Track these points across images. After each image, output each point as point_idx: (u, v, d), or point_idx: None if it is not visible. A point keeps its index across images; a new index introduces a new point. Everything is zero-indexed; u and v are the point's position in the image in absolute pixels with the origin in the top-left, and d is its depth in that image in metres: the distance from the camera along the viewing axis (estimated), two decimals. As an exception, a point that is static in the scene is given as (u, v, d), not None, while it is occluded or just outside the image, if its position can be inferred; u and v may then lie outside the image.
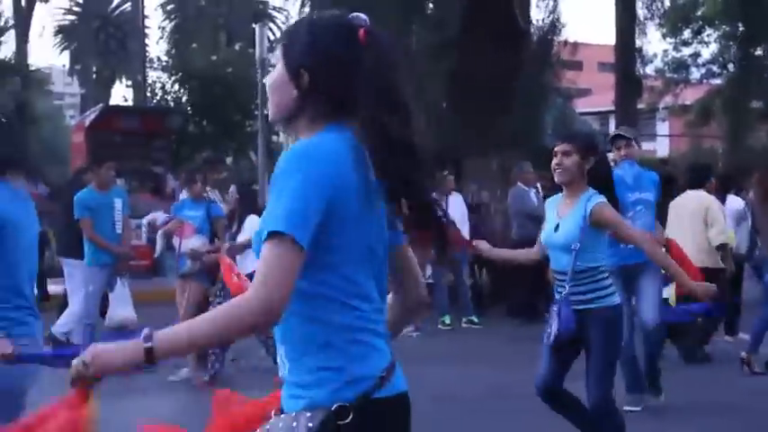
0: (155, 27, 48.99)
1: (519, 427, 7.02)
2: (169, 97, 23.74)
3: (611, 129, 20.83)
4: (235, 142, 24.60)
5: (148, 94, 25.73)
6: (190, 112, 23.18)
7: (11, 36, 29.94)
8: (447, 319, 12.56)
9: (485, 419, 6.34)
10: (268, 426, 2.64)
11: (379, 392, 2.56)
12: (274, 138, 27.67)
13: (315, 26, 2.65)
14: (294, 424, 2.53)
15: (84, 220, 9.54)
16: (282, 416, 2.60)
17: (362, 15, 2.63)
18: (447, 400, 7.95)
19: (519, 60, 15.87)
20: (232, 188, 9.67)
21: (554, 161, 5.55)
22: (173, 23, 43.63)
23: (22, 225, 4.46)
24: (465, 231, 13.15)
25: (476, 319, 12.69)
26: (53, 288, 13.61)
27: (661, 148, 42.81)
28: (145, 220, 9.41)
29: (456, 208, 12.87)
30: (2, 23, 29.86)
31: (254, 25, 20.59)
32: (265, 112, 21.44)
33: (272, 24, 34.65)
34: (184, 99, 23.59)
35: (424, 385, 8.36)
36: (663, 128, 42.29)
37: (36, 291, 13.74)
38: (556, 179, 5.68)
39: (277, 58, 2.70)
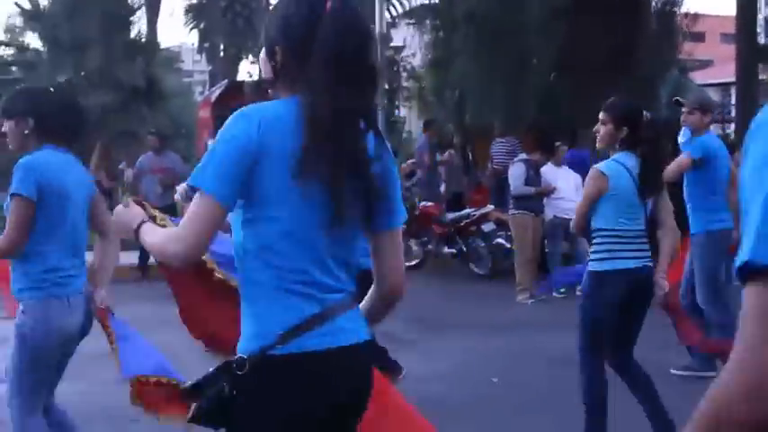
0: (280, 5, 49.58)
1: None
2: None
3: (733, 100, 20.58)
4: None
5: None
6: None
7: (142, 16, 30.77)
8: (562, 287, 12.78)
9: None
10: None
11: (278, 349, 2.60)
12: (396, 112, 27.98)
13: (285, 5, 2.75)
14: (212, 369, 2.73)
15: None
16: None
17: None
18: (560, 364, 8.12)
19: (635, 31, 15.85)
20: None
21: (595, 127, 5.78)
22: (296, 1, 44.27)
23: (67, 191, 4.61)
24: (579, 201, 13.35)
25: (590, 288, 12.80)
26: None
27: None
28: (179, 188, 9.64)
29: (569, 179, 13.06)
30: (132, 3, 30.60)
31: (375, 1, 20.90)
32: (385, 86, 21.56)
33: (393, 0, 34.96)
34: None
35: (539, 350, 8.68)
36: (788, 99, 41.26)
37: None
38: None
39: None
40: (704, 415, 1.34)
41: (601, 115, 5.71)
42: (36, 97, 4.87)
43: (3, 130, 4.77)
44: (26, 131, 4.67)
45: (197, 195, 2.60)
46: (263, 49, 2.82)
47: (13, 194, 4.49)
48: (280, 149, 2.58)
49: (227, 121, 2.63)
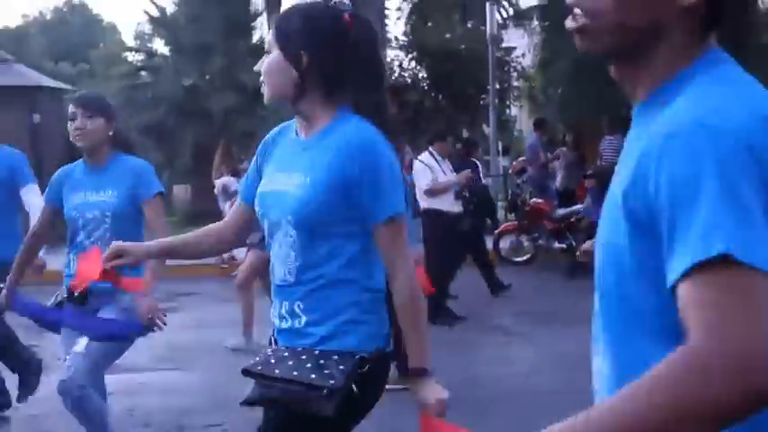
0: (393, 8, 50.37)
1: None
2: (406, 74, 24.74)
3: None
4: (468, 115, 25.46)
5: (387, 72, 26.83)
6: (425, 87, 24.07)
7: (264, 21, 31.49)
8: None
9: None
10: (286, 353, 2.76)
11: (387, 347, 2.83)
12: (507, 111, 28.33)
13: (309, 13, 2.84)
14: (321, 362, 2.69)
15: None
16: (300, 349, 2.76)
17: (346, 1, 2.85)
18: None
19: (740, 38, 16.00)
20: None
21: None
22: (410, 5, 44.88)
23: None
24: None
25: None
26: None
27: None
28: (219, 182, 9.63)
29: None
30: (254, 10, 31.34)
31: (486, 4, 21.38)
32: (496, 86, 21.98)
33: (504, 2, 35.40)
34: (421, 75, 24.52)
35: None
36: None
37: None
38: None
39: (270, 43, 2.86)
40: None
41: None
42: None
43: (78, 123, 4.81)
44: (111, 133, 4.89)
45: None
46: (280, 60, 2.82)
47: (161, 192, 4.91)
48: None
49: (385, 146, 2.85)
